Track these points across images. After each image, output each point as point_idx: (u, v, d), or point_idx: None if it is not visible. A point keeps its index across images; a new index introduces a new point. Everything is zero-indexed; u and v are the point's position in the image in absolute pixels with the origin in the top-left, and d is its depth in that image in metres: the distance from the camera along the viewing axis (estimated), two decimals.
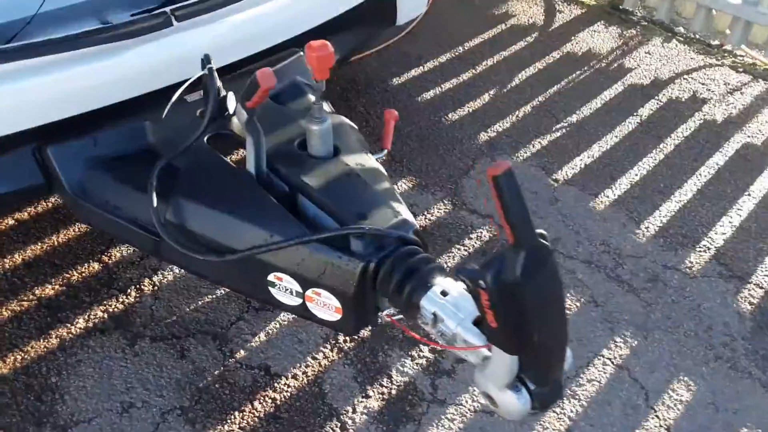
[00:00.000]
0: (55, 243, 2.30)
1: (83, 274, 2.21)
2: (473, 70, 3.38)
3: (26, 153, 1.72)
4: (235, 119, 1.78)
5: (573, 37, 3.69)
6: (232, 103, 1.75)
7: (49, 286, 2.16)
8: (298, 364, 1.99)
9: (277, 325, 2.09)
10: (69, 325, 2.05)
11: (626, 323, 2.17)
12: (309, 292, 1.48)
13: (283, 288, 1.51)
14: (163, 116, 1.70)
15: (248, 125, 1.51)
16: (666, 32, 3.76)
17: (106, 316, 2.09)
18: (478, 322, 1.27)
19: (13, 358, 1.96)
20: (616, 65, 3.47)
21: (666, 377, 2.01)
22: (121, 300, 2.13)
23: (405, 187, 2.66)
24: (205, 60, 1.66)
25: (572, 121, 3.07)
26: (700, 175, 2.80)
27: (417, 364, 2.01)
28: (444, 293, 1.33)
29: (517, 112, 3.10)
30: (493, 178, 1.03)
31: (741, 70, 3.47)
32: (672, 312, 2.21)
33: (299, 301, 1.51)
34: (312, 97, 2.03)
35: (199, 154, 1.66)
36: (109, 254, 2.28)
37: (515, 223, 1.04)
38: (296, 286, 1.49)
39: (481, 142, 2.92)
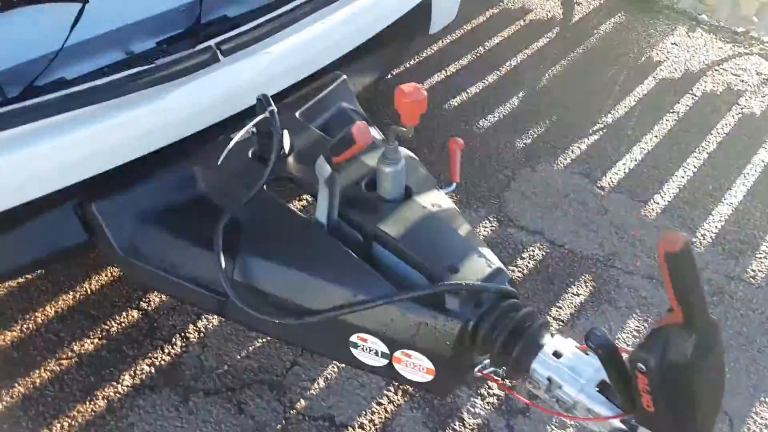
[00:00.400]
0: (89, 291, 2.16)
1: (123, 325, 2.07)
2: (497, 72, 3.25)
3: (67, 211, 1.58)
4: (291, 160, 1.65)
5: (595, 31, 3.56)
6: (287, 141, 1.62)
7: (88, 341, 2.02)
8: (363, 412, 1.87)
9: (335, 368, 1.97)
10: (115, 383, 1.92)
11: None
12: (397, 354, 1.36)
13: (367, 349, 1.39)
14: (219, 163, 1.56)
15: (329, 179, 1.37)
16: (690, 21, 3.64)
17: (153, 370, 1.95)
18: (603, 388, 1.16)
19: (59, 425, 1.82)
20: (644, 59, 3.35)
21: (748, 400, 1.93)
22: (166, 351, 2.00)
23: None
24: (264, 101, 1.52)
25: (608, 122, 2.96)
26: (747, 174, 2.71)
27: (488, 403, 1.90)
28: (557, 354, 1.22)
29: (550, 115, 2.98)
30: (666, 255, 0.91)
31: None
32: (743, 327, 2.12)
33: (385, 362, 1.39)
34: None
35: (262, 203, 1.52)
36: (147, 300, 2.14)
37: (689, 304, 0.93)
38: (383, 347, 1.37)
39: (518, 149, 2.80)
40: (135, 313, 2.10)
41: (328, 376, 1.95)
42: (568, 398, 1.17)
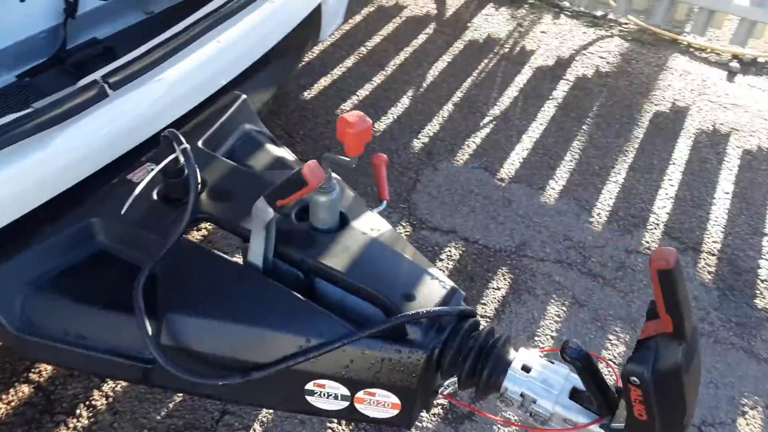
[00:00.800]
0: None
1: (13, 404, 1.81)
2: (383, 72, 3.24)
3: None
4: (204, 197, 1.51)
5: (469, 24, 3.65)
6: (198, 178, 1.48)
7: None
8: None
9: (269, 411, 1.86)
10: None
11: (612, 318, 2.19)
12: (359, 394, 1.30)
13: (325, 394, 1.31)
14: (123, 212, 1.40)
15: (269, 222, 1.26)
16: (553, 8, 3.84)
17: None
18: (574, 396, 1.18)
19: None
20: (518, 49, 3.49)
21: None
22: (71, 425, 1.79)
23: None
24: (173, 138, 1.38)
25: (496, 113, 3.04)
26: (626, 151, 2.90)
27: (434, 415, 1.89)
28: (526, 368, 1.22)
29: (441, 112, 3.01)
30: (659, 273, 0.91)
31: (630, 38, 3.64)
32: (648, 297, 2.27)
33: (346, 404, 1.32)
34: (271, 147, 1.80)
35: (182, 252, 1.38)
36: (36, 369, 1.89)
37: (680, 315, 0.94)
38: (343, 390, 1.30)
39: (417, 150, 2.80)
40: (25, 388, 1.85)
41: (264, 420, 1.85)
42: (545, 411, 1.18)
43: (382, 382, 1.26)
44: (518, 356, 1.23)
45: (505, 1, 3.87)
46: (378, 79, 3.19)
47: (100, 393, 1.85)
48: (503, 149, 2.85)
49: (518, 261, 2.36)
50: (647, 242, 2.48)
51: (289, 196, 1.20)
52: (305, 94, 3.04)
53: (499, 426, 1.87)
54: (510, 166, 2.76)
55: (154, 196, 1.51)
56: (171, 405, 1.85)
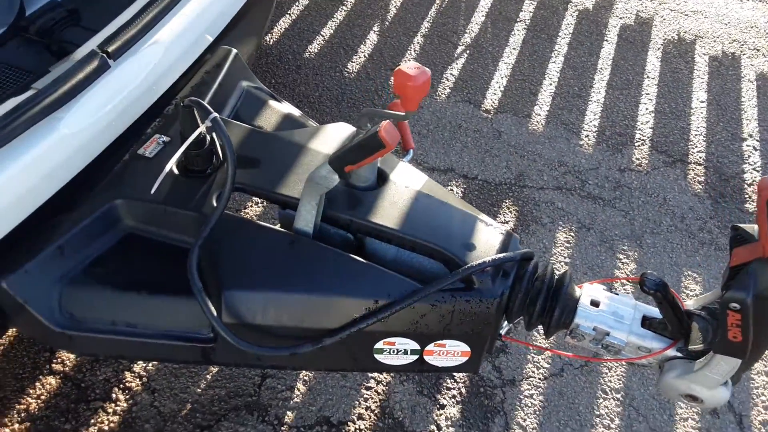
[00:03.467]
0: None
1: (43, 397, 1.72)
2: (344, 7, 3.09)
3: None
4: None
5: None
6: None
7: (6, 430, 1.65)
8: (356, 402, 1.78)
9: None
10: None
11: (619, 238, 2.25)
12: (429, 347, 1.28)
13: (395, 351, 1.29)
14: (153, 191, 1.29)
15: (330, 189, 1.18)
16: None
17: None
18: (645, 324, 1.20)
19: None
20: None
21: (675, 278, 2.15)
22: (111, 410, 1.71)
23: None
24: (198, 108, 1.26)
25: (468, 42, 2.97)
26: (601, 69, 2.91)
27: None
28: (594, 303, 1.23)
29: (412, 45, 2.91)
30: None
31: None
32: (648, 213, 2.34)
33: (414, 358, 1.30)
34: (275, 104, 1.69)
35: (226, 226, 1.29)
36: (58, 359, 1.79)
37: None
38: (413, 345, 1.28)
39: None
40: (51, 380, 1.75)
41: (306, 379, 1.82)
42: (619, 342, 1.19)
43: (453, 333, 1.25)
44: (584, 292, 1.24)
45: None
46: (340, 16, 3.04)
47: (133, 374, 1.77)
48: (482, 79, 2.80)
49: (520, 192, 2.36)
50: (637, 159, 2.53)
51: (362, 160, 1.13)
52: (267, 38, 2.87)
53: (532, 354, 1.91)
54: (493, 97, 2.72)
55: (174, 170, 1.40)
56: (209, 377, 1.79)
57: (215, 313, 1.18)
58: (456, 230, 1.29)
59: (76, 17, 1.79)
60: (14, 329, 1.78)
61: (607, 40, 3.05)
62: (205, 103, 1.28)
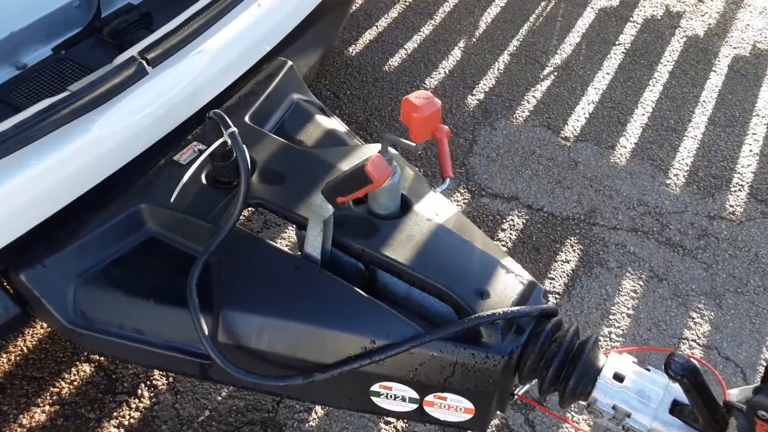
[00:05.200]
0: (25, 350, 1.84)
1: (75, 383, 1.78)
2: (432, 21, 3.01)
3: None
4: (254, 180, 1.38)
5: None
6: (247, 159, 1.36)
7: (38, 410, 1.72)
8: (375, 428, 1.71)
9: None
10: None
11: (695, 293, 2.01)
12: (429, 397, 1.18)
13: (392, 396, 1.20)
14: (172, 200, 1.29)
15: (328, 217, 1.13)
16: None
17: (122, 431, 1.69)
18: (676, 410, 1.03)
19: None
20: None
21: (755, 348, 1.89)
22: (134, 406, 1.74)
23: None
24: (219, 120, 1.24)
25: (557, 63, 2.80)
26: (704, 102, 2.64)
27: None
28: (618, 377, 1.08)
29: (496, 64, 2.79)
30: None
31: None
32: (734, 269, 2.08)
33: (414, 407, 1.21)
34: (322, 119, 1.65)
35: (237, 242, 1.26)
36: None
37: None
38: (411, 393, 1.18)
39: (472, 107, 2.61)
40: (87, 367, 1.81)
41: None
42: (641, 427, 1.04)
43: (453, 387, 1.14)
44: (609, 362, 1.09)
45: None
46: (426, 30, 2.97)
47: (161, 373, 1.80)
48: (566, 104, 2.62)
49: (588, 230, 2.18)
50: (731, 206, 2.26)
51: (351, 193, 1.06)
52: (350, 49, 2.85)
53: (572, 412, 1.74)
54: (575, 123, 2.54)
55: (203, 180, 1.40)
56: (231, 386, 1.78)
57: (206, 332, 1.15)
58: (472, 273, 1.19)
59: (149, 20, 1.85)
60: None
61: (715, 71, 2.77)
62: (225, 116, 1.26)
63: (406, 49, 2.87)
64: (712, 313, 1.96)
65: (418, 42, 2.91)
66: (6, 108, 1.58)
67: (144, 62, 1.30)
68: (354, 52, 2.84)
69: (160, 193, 1.37)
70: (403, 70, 2.77)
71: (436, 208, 1.31)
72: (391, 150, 1.19)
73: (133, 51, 1.30)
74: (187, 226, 1.34)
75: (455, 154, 2.43)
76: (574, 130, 2.51)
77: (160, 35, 1.34)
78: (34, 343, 1.85)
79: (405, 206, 1.30)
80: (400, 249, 1.21)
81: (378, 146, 1.48)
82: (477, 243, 1.25)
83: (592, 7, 3.08)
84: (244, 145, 1.27)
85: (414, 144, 1.11)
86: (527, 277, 1.20)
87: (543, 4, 3.10)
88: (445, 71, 2.76)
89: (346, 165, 1.38)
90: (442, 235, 1.24)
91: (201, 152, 1.46)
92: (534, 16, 3.03)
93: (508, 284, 1.17)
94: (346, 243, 1.24)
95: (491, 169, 2.37)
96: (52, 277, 1.28)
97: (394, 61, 2.81)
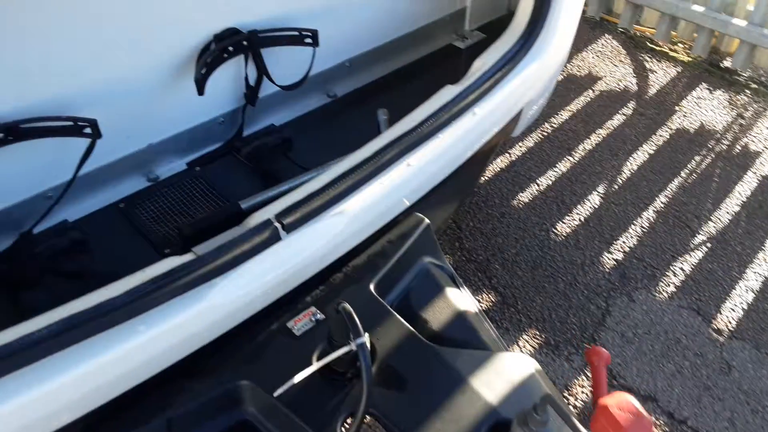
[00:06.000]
0: None
1: None
2: (570, 158, 2.76)
3: None
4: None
5: (677, 107, 3.08)
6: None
7: None
8: None
9: None
10: None
11: None
12: None
13: None
14: (276, 395, 1.06)
15: None
16: None
17: None
18: None
19: None
20: (739, 147, 2.87)
21: None
22: None
23: (529, 347, 2.03)
24: (348, 320, 1.02)
25: (711, 232, 2.46)
26: None
27: None
28: None
29: (640, 220, 2.48)
30: None
31: None
32: None
33: None
34: (451, 293, 1.40)
35: None
36: None
37: None
38: None
39: (608, 268, 2.30)
40: None
41: None
42: None
43: None
44: None
45: (721, 82, 3.25)
46: (563, 167, 2.72)
47: None
48: (721, 285, 2.27)
49: None
50: None
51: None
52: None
53: None
54: (730, 313, 2.18)
55: (314, 360, 1.17)
56: None
57: None
58: None
59: (288, 146, 1.72)
60: None
61: None
62: (354, 317, 1.04)
63: (538, 185, 2.62)
64: None
65: (553, 179, 2.66)
66: (128, 227, 1.45)
67: (279, 226, 1.11)
68: (482, 180, 2.63)
69: (265, 370, 1.16)
70: (534, 207, 2.51)
71: None
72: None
73: (269, 213, 1.11)
74: (288, 423, 1.11)
75: (584, 322, 2.11)
76: (729, 322, 2.15)
77: (303, 195, 1.14)
78: None
79: None
80: None
81: (521, 359, 1.22)
82: None
83: (754, 172, 2.75)
84: (368, 352, 1.04)
85: None
86: None
87: (698, 158, 2.79)
88: (580, 218, 2.48)
89: (479, 381, 1.14)
90: None
91: (318, 323, 1.26)
92: (686, 171, 2.73)
93: None
94: None
95: (626, 353, 2.03)
96: None
97: (524, 196, 2.56)
